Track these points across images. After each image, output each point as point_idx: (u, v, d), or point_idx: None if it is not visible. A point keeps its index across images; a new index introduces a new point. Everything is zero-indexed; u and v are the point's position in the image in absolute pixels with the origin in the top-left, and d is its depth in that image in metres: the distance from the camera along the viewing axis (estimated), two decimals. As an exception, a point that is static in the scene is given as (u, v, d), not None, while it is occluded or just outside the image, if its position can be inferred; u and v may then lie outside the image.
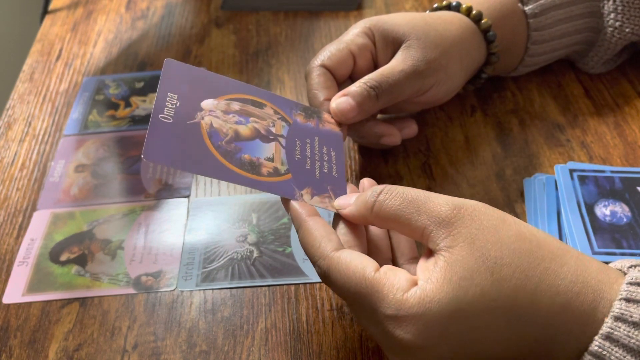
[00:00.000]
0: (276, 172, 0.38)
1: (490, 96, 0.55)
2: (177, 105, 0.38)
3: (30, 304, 0.43)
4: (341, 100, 0.44)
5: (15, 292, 0.44)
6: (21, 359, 0.40)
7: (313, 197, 0.38)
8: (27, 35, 0.88)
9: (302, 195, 0.38)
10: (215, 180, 0.50)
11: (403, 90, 0.45)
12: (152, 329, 0.41)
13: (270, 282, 0.43)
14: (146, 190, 0.50)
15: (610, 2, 0.51)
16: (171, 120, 0.37)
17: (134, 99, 0.59)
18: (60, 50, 0.66)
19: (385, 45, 0.47)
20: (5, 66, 1.07)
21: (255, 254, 0.45)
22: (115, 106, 0.58)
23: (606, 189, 0.45)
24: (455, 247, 0.31)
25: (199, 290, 0.43)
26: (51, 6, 0.72)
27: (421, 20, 0.48)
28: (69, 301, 0.43)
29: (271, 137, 0.40)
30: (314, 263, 0.35)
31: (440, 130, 0.52)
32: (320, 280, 0.42)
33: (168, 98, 0.38)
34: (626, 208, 0.44)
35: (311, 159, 0.41)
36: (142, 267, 0.45)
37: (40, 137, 0.56)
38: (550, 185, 0.46)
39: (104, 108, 0.58)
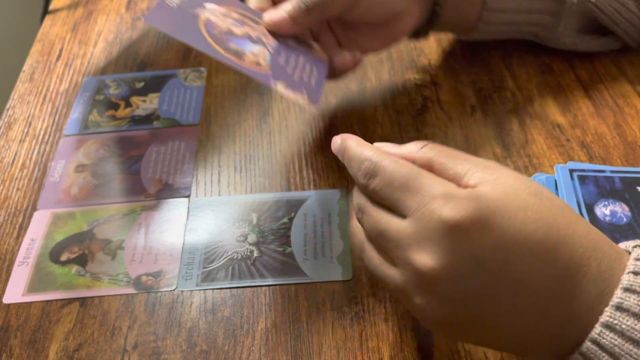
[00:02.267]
0: (257, 65, 0.43)
1: (490, 96, 0.55)
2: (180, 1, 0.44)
3: (30, 303, 0.43)
4: (273, 12, 0.46)
5: (16, 292, 0.44)
6: (21, 358, 0.40)
7: (287, 90, 0.43)
8: (27, 35, 0.88)
9: (276, 84, 0.42)
10: (215, 180, 0.50)
11: (333, 2, 0.46)
12: (152, 328, 0.41)
13: (271, 282, 0.43)
14: (146, 190, 0.50)
15: None
16: (175, 6, 0.43)
17: (134, 99, 0.59)
18: (61, 51, 0.66)
19: None
20: (6, 66, 1.07)
21: (256, 254, 0.45)
22: (115, 106, 0.58)
23: (606, 188, 0.45)
24: (501, 177, 0.31)
25: (199, 290, 0.43)
26: (51, 6, 0.73)
27: None
28: (69, 301, 0.43)
29: (260, 42, 0.45)
30: (361, 163, 0.33)
31: (440, 130, 0.52)
32: (320, 280, 0.42)
33: None
34: (626, 208, 0.44)
35: (292, 68, 0.45)
36: (143, 267, 0.45)
37: (41, 137, 0.56)
38: (550, 185, 0.46)
39: (104, 108, 0.58)
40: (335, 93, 0.57)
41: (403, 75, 0.58)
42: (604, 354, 0.29)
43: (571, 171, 0.46)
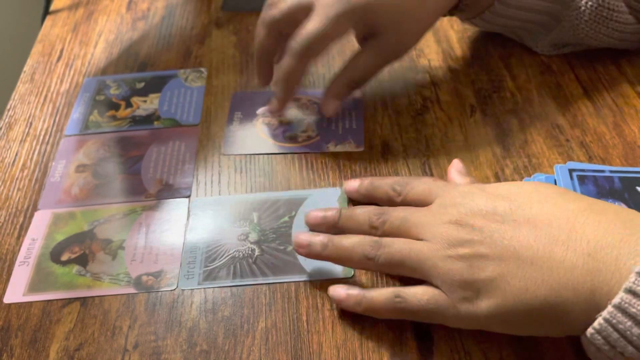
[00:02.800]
0: (309, 138, 0.53)
1: (489, 96, 0.55)
2: (242, 117, 0.56)
3: (31, 303, 0.44)
4: (330, 107, 0.52)
5: (16, 292, 0.44)
6: (22, 358, 0.40)
7: (337, 146, 0.52)
8: (28, 35, 0.88)
9: (328, 147, 0.52)
10: (215, 180, 0.51)
11: (375, 75, 0.53)
12: (152, 328, 0.41)
13: (272, 280, 0.43)
14: (147, 190, 0.50)
15: (582, 1, 0.52)
16: (238, 128, 0.55)
17: (135, 100, 0.59)
18: (61, 51, 0.66)
19: (362, 28, 0.50)
20: (7, 67, 1.07)
21: (257, 252, 0.45)
22: (116, 106, 0.58)
23: (605, 188, 0.45)
24: None
25: (201, 288, 0.43)
26: (52, 7, 0.73)
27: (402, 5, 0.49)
28: (70, 301, 0.43)
29: (305, 116, 0.55)
30: (393, 183, 0.44)
31: (439, 130, 0.53)
32: (322, 278, 0.42)
33: (235, 113, 0.56)
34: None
35: (335, 122, 0.54)
36: (143, 267, 0.45)
37: (41, 137, 0.56)
38: (549, 185, 0.46)
39: (105, 108, 0.58)
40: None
41: (402, 75, 0.58)
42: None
43: (570, 171, 0.46)
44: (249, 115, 0.56)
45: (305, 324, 0.41)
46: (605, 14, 0.52)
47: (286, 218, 0.47)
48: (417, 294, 0.37)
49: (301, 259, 0.44)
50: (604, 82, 0.55)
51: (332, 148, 0.51)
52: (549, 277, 0.33)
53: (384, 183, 0.44)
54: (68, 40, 0.68)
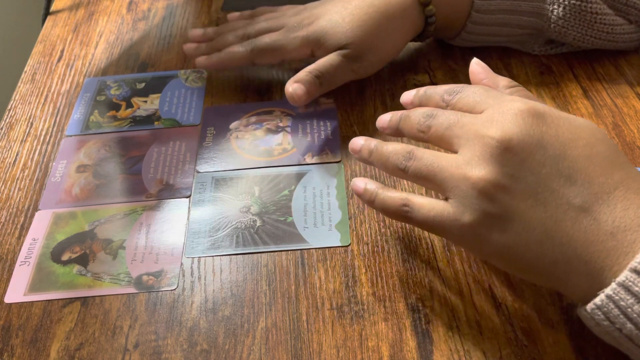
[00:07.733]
0: (285, 151, 0.52)
1: (489, 97, 0.55)
2: (214, 133, 0.54)
3: (32, 303, 0.44)
4: (296, 87, 0.51)
5: (17, 292, 0.44)
6: (23, 358, 0.40)
7: (314, 157, 0.51)
8: (28, 36, 0.88)
9: (305, 159, 0.51)
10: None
11: (341, 80, 0.54)
12: (153, 328, 0.41)
13: (273, 248, 0.45)
14: (147, 191, 0.51)
15: (560, 9, 0.53)
16: (211, 144, 0.53)
17: (135, 100, 0.59)
18: (62, 51, 0.66)
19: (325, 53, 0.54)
20: (7, 67, 1.07)
21: (259, 223, 0.47)
22: (116, 107, 0.59)
23: (605, 189, 0.45)
24: None
25: (207, 256, 0.45)
26: (53, 7, 0.73)
27: (360, 29, 0.52)
28: (71, 300, 0.44)
29: (279, 129, 0.54)
30: (448, 88, 0.41)
31: (439, 130, 0.53)
32: (320, 246, 0.42)
33: (208, 129, 0.55)
34: (624, 208, 0.44)
35: (311, 134, 0.53)
36: (144, 267, 0.45)
37: (42, 137, 0.56)
38: (549, 185, 0.46)
39: (106, 109, 0.59)
40: (335, 94, 0.57)
41: (402, 75, 0.58)
42: None
43: (570, 171, 0.46)
44: (222, 130, 0.55)
45: (305, 323, 0.41)
46: (589, 18, 0.53)
47: (286, 192, 0.49)
48: (424, 207, 0.37)
49: (300, 229, 0.46)
50: (603, 83, 0.55)
51: (309, 160, 0.51)
52: (567, 242, 0.33)
53: (436, 92, 0.41)
54: (69, 41, 0.68)
